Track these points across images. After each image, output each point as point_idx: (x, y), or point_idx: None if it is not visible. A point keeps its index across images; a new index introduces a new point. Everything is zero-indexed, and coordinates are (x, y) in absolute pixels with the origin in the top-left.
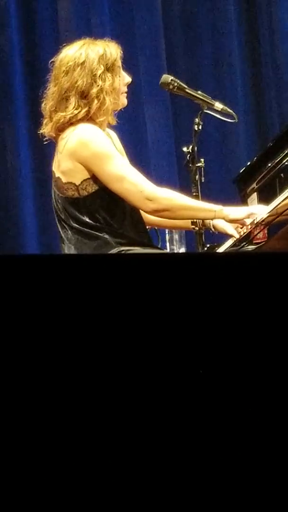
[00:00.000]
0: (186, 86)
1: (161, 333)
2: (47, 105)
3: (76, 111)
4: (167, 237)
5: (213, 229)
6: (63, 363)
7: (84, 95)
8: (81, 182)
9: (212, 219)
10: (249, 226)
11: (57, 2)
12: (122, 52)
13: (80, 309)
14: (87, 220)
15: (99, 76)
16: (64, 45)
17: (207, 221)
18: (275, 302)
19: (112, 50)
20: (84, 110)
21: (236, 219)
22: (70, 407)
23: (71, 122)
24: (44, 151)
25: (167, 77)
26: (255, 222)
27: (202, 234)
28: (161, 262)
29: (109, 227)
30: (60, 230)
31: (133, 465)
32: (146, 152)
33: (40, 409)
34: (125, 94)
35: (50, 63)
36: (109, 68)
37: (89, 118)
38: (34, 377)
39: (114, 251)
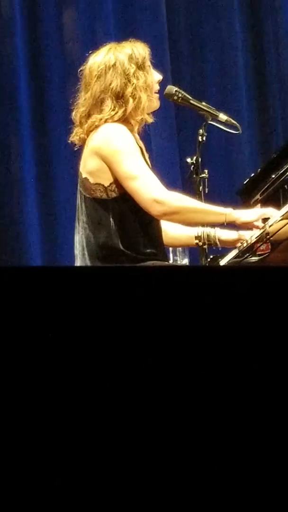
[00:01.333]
0: (190, 97)
1: (162, 349)
2: (78, 113)
3: (113, 112)
4: (170, 248)
5: (218, 244)
6: (65, 374)
7: (119, 96)
8: (110, 184)
9: (222, 223)
10: (253, 238)
11: (62, 12)
12: (150, 50)
13: (82, 321)
14: (111, 226)
15: (133, 74)
16: (90, 53)
17: (212, 236)
18: (278, 316)
19: (140, 49)
20: (121, 111)
21: (248, 221)
22: (74, 413)
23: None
24: (49, 159)
25: (171, 88)
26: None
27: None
28: (160, 275)
29: (128, 242)
30: (76, 233)
31: (133, 467)
32: (150, 162)
33: (42, 413)
34: (157, 95)
35: (79, 71)
36: (140, 66)
37: (125, 119)
38: (39, 388)
39: None
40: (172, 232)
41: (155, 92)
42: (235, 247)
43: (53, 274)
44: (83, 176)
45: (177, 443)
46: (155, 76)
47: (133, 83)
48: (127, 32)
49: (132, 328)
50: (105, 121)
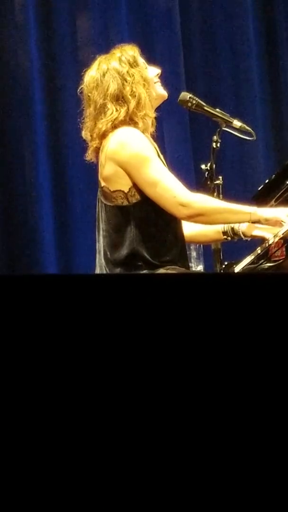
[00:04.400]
0: (204, 104)
1: (171, 357)
2: (86, 128)
3: (116, 114)
4: None
5: (242, 236)
6: (75, 379)
7: (119, 98)
8: (129, 189)
9: (247, 221)
10: (267, 243)
11: (76, 19)
12: (139, 48)
13: (95, 329)
14: (131, 232)
15: (127, 73)
16: (84, 71)
17: (236, 228)
18: None
19: (128, 50)
20: (123, 110)
21: (273, 219)
22: (76, 414)
23: (113, 126)
24: (63, 166)
25: (185, 95)
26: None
27: (220, 251)
28: (173, 283)
29: (149, 248)
30: (97, 242)
31: (133, 470)
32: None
33: (42, 413)
34: (160, 86)
35: (79, 91)
36: (132, 64)
37: (130, 118)
38: (45, 389)
39: None
40: (199, 229)
41: (156, 83)
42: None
43: (60, 282)
44: (102, 184)
45: (177, 448)
46: (153, 71)
47: (130, 81)
48: (141, 38)
49: (138, 335)
50: (112, 123)
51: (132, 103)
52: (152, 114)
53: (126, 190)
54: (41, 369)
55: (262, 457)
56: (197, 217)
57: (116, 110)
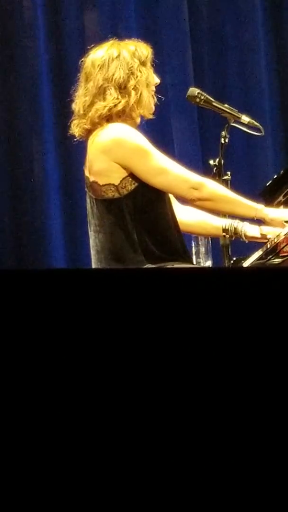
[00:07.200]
0: (213, 99)
1: (176, 353)
2: (79, 104)
3: (116, 101)
4: (194, 250)
5: (244, 238)
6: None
7: (122, 87)
8: (120, 181)
9: (252, 217)
10: (275, 239)
11: (84, 14)
12: (152, 50)
13: (104, 322)
14: (128, 224)
15: (136, 68)
16: (92, 46)
17: (239, 230)
18: None
19: (143, 48)
20: (123, 102)
21: (277, 219)
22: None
23: (107, 116)
24: (72, 162)
25: (194, 90)
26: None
27: (228, 246)
28: (182, 277)
29: (146, 236)
30: (90, 238)
31: (133, 469)
32: None
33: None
34: (153, 97)
35: (80, 62)
36: (143, 63)
37: (127, 112)
38: (47, 388)
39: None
40: (198, 220)
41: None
42: (263, 242)
43: (68, 277)
44: (91, 180)
45: (177, 447)
46: (154, 78)
47: (136, 76)
48: (150, 34)
49: (145, 329)
50: (109, 110)
51: (133, 98)
52: (149, 116)
53: (117, 183)
54: (51, 362)
55: (261, 449)
56: (206, 201)
57: (118, 98)
